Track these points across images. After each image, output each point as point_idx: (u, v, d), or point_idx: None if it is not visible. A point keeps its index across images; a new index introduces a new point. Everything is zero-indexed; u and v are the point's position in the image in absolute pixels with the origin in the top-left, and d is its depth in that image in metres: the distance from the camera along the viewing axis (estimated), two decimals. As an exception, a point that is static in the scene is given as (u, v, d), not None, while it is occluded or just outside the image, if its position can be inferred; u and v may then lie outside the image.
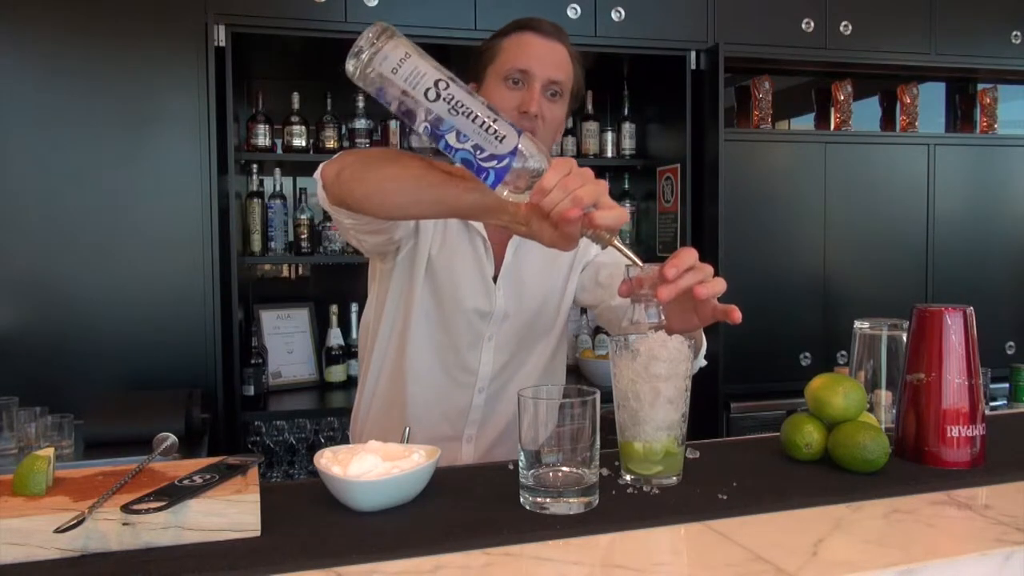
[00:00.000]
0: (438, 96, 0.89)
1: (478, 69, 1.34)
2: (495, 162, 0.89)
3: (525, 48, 1.29)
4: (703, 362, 1.26)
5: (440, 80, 0.89)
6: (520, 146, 0.89)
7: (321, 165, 1.15)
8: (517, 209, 0.96)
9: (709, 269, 0.97)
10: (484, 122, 0.89)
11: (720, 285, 0.97)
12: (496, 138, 0.89)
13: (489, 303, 1.38)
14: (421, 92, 0.89)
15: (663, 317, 1.01)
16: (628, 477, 0.97)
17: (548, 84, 1.29)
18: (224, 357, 2.39)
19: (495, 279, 1.39)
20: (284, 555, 0.75)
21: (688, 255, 0.96)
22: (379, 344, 1.42)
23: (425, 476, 0.91)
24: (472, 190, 0.98)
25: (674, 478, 0.97)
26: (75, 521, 0.72)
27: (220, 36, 2.33)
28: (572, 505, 0.86)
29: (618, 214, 0.91)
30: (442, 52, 2.62)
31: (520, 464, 0.88)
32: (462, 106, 0.89)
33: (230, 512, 0.79)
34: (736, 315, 0.98)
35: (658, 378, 0.94)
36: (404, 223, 1.28)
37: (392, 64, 0.88)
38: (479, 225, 1.36)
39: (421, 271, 1.35)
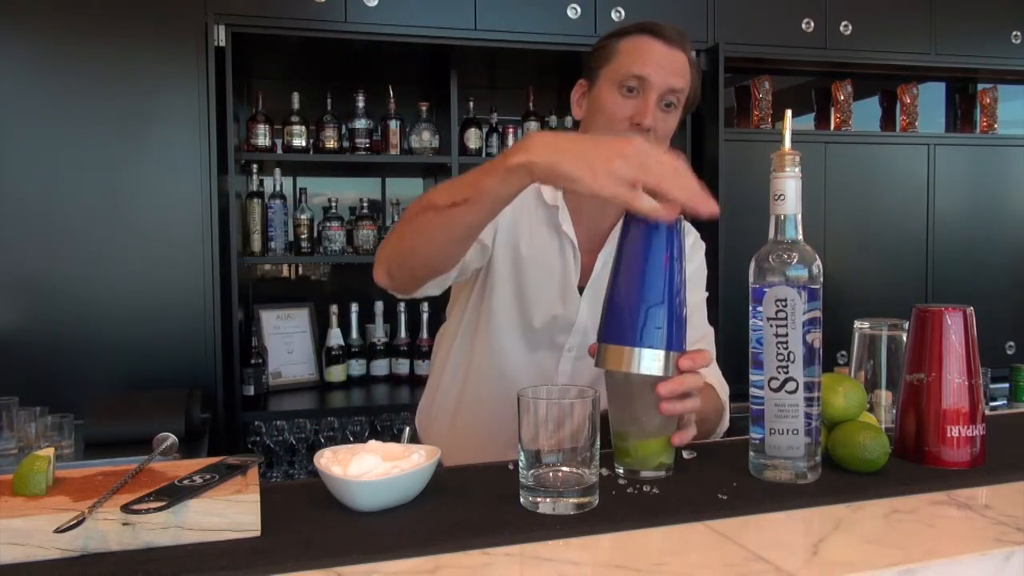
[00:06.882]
0: None
1: (590, 68, 1.28)
2: None
3: (644, 53, 1.23)
4: (726, 424, 1.28)
5: None
6: None
7: (374, 272, 1.13)
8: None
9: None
10: None
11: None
12: None
13: (571, 312, 1.32)
14: None
15: None
16: (621, 470, 0.98)
17: (665, 93, 1.23)
18: (224, 357, 2.39)
19: (581, 289, 1.33)
20: (284, 555, 0.75)
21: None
22: (459, 345, 1.38)
23: (425, 476, 0.90)
24: (472, 185, 0.94)
25: (663, 473, 0.98)
26: (75, 521, 0.72)
27: (220, 36, 2.33)
28: (572, 505, 0.86)
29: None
30: (442, 52, 2.63)
31: (520, 464, 0.88)
32: None
33: (230, 512, 0.79)
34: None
35: (651, 375, 0.94)
36: (472, 248, 1.17)
37: None
38: (569, 229, 1.31)
39: (502, 273, 1.31)
